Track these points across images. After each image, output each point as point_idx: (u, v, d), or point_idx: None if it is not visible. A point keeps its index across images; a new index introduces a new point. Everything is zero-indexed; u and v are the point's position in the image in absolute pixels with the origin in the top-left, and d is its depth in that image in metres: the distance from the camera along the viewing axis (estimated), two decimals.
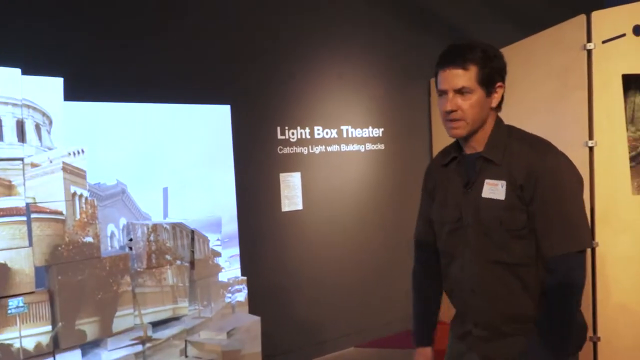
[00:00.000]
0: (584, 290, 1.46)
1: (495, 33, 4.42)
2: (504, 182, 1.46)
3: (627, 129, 3.30)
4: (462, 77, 1.45)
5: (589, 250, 2.36)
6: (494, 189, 1.47)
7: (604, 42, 2.99)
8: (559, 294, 1.42)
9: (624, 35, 3.03)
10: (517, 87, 3.41)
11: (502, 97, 1.52)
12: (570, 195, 1.42)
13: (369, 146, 3.92)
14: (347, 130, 3.80)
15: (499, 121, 1.55)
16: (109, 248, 2.58)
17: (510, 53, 3.53)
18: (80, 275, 2.21)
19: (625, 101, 3.35)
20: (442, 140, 4.16)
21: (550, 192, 1.41)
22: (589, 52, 2.98)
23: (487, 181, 1.49)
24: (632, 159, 3.23)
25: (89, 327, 2.23)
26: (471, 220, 1.52)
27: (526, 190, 1.43)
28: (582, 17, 3.00)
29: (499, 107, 1.54)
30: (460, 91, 1.45)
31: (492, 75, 1.46)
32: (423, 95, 4.25)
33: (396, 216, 4.06)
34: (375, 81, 3.96)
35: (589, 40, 2.98)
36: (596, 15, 2.99)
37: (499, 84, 1.48)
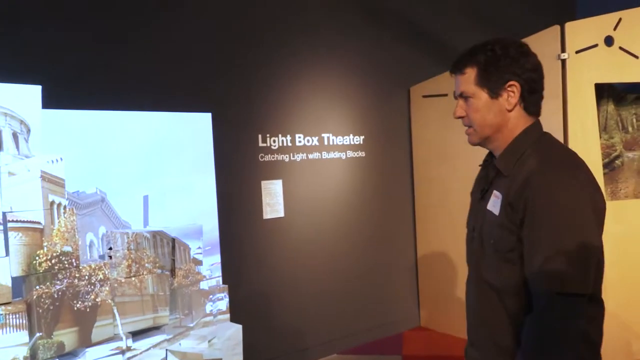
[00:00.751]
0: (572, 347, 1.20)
1: (472, 42, 4.50)
2: (502, 197, 1.32)
3: (600, 137, 3.39)
4: (461, 82, 1.39)
5: None
6: (496, 202, 1.34)
7: (577, 52, 3.07)
8: (531, 341, 1.24)
9: (596, 45, 3.12)
10: None
11: (529, 98, 1.35)
12: (566, 223, 1.19)
13: (350, 154, 3.95)
14: (328, 137, 3.83)
15: (531, 127, 1.37)
16: (88, 257, 2.54)
17: None
18: (58, 285, 2.18)
19: (598, 109, 3.44)
20: (422, 147, 4.21)
21: (540, 215, 1.21)
22: (563, 61, 3.06)
23: (494, 192, 1.37)
24: (605, 165, 3.32)
25: (67, 337, 2.20)
26: (477, 232, 1.43)
27: (516, 209, 1.26)
28: (556, 28, 3.08)
29: (530, 109, 1.37)
30: (462, 96, 1.40)
31: (497, 74, 1.33)
32: (403, 103, 4.30)
33: (377, 223, 4.09)
34: (356, 89, 4.00)
35: (563, 50, 3.06)
36: (570, 26, 3.08)
37: (510, 83, 1.33)
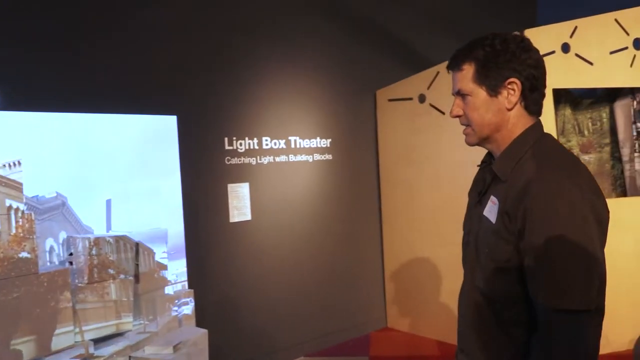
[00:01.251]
0: None
1: (437, 47, 4.60)
2: (498, 203, 1.25)
3: (558, 140, 3.51)
4: (458, 79, 1.31)
5: None
6: (492, 209, 1.26)
7: None
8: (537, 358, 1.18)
9: (553, 52, 3.23)
10: None
11: (530, 96, 1.26)
12: (567, 235, 1.10)
13: (317, 156, 3.97)
14: (295, 140, 3.83)
15: (531, 129, 1.28)
16: (48, 263, 2.48)
17: None
18: (16, 293, 2.12)
19: (556, 114, 3.56)
20: (388, 150, 4.26)
21: (540, 226, 1.13)
22: None
23: (491, 197, 1.28)
24: None
25: (25, 346, 2.14)
26: (473, 237, 1.35)
27: (513, 218, 1.18)
28: None
29: (531, 108, 1.28)
30: (459, 94, 1.31)
31: (496, 71, 1.24)
32: (370, 106, 4.35)
33: (344, 225, 4.12)
34: (323, 93, 4.02)
35: None
36: (528, 33, 3.17)
37: (510, 80, 1.24)
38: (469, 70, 1.28)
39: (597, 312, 1.15)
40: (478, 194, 1.36)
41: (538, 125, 1.30)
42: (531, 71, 1.24)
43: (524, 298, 1.20)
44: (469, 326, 1.35)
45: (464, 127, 1.36)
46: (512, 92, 1.25)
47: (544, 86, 1.29)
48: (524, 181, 1.17)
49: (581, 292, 1.10)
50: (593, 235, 1.12)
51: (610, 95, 3.62)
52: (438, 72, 3.77)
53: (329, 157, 4.03)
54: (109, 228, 2.73)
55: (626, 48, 3.33)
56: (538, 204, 1.13)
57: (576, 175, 1.17)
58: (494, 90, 1.25)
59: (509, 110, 1.26)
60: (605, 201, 1.20)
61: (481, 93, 1.27)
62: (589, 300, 1.11)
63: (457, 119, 1.36)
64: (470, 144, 1.36)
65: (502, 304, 1.24)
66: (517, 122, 1.27)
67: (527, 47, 1.26)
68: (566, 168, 1.18)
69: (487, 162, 1.40)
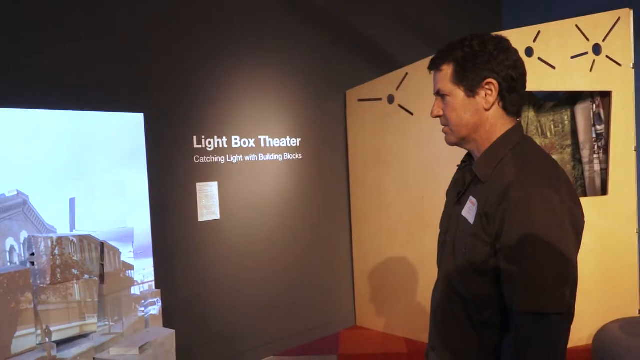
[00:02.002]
0: None
1: (406, 49, 4.66)
2: (477, 204, 1.25)
3: None
4: (437, 79, 1.32)
5: None
6: (471, 209, 1.27)
7: None
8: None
9: None
10: (422, 104, 3.62)
11: (508, 97, 1.26)
12: (544, 240, 1.12)
13: (287, 156, 3.97)
14: (264, 139, 3.82)
15: (511, 131, 1.29)
16: (8, 264, 2.41)
17: (417, 70, 3.74)
18: None
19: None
20: (358, 150, 4.30)
21: (515, 229, 1.14)
22: None
23: (470, 198, 1.29)
24: None
25: None
26: (450, 236, 1.35)
27: (491, 220, 1.19)
28: None
29: (509, 109, 1.28)
30: (438, 94, 1.33)
31: (474, 72, 1.25)
32: (340, 106, 4.37)
33: (314, 224, 4.13)
34: (293, 92, 4.02)
35: None
36: None
37: (487, 80, 1.25)
38: (447, 70, 1.29)
39: (568, 315, 1.16)
40: (457, 194, 1.37)
41: (518, 127, 1.30)
42: (509, 72, 1.25)
43: (498, 300, 1.21)
44: (440, 325, 1.36)
45: (439, 127, 1.36)
46: (489, 92, 1.26)
47: (524, 87, 1.30)
48: (504, 184, 1.18)
49: (555, 295, 1.12)
50: (569, 239, 1.15)
51: (571, 99, 3.74)
52: (407, 74, 3.82)
53: (298, 156, 4.04)
54: (73, 227, 2.67)
55: (586, 53, 3.44)
56: (516, 207, 1.14)
57: (556, 181, 1.18)
58: (471, 91, 1.26)
59: (487, 110, 1.27)
60: (582, 208, 1.22)
61: (459, 93, 1.28)
62: (562, 303, 1.12)
63: (437, 119, 1.37)
64: (450, 144, 1.36)
65: (475, 304, 1.25)
66: (496, 122, 1.28)
67: (506, 48, 1.27)
68: (546, 173, 1.19)
69: (467, 162, 1.41)
